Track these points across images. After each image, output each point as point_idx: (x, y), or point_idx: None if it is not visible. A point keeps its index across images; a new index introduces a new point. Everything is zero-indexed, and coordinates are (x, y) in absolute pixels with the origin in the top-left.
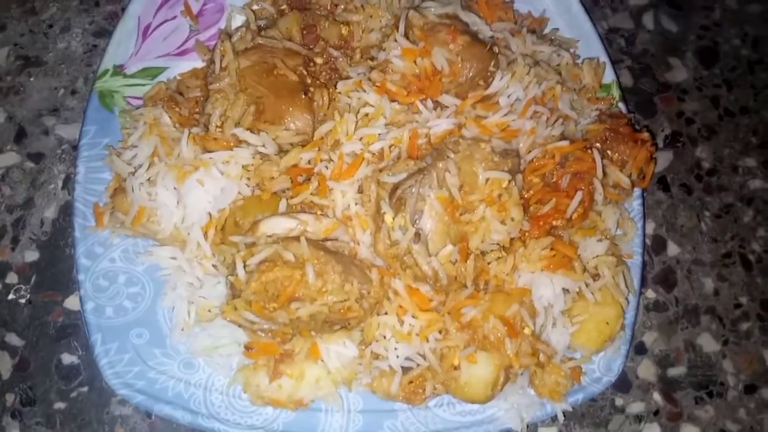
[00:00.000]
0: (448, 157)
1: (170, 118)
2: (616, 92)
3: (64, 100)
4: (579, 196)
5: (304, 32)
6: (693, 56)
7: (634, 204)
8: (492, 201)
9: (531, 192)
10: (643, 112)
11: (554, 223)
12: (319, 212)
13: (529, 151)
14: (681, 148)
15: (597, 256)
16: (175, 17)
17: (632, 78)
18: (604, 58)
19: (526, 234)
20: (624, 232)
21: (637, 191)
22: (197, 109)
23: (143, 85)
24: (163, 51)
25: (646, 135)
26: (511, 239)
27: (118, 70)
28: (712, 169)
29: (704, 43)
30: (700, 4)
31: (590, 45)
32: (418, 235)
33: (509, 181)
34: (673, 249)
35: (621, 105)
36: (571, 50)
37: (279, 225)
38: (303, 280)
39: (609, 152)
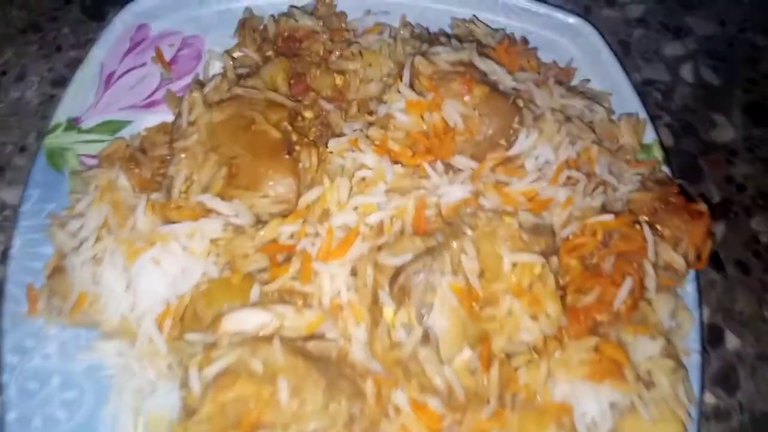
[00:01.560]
0: (464, 234)
1: (129, 181)
2: (658, 153)
3: (11, 158)
4: (628, 283)
5: (292, 82)
6: (740, 112)
7: (688, 288)
8: (521, 292)
9: (568, 278)
10: (687, 176)
11: (598, 317)
12: (300, 302)
13: (565, 227)
14: (734, 219)
15: (650, 358)
16: (144, 64)
17: (672, 137)
18: (642, 114)
19: (564, 332)
20: (678, 324)
21: (690, 273)
22: (162, 170)
23: (101, 141)
24: (128, 102)
25: (702, 206)
26: (546, 339)
27: (73, 124)
28: None
29: (752, 97)
30: (743, 54)
31: (623, 99)
32: (426, 336)
33: (543, 266)
34: (732, 341)
35: (665, 168)
36: (605, 105)
37: (248, 320)
38: (273, 399)
39: (659, 227)
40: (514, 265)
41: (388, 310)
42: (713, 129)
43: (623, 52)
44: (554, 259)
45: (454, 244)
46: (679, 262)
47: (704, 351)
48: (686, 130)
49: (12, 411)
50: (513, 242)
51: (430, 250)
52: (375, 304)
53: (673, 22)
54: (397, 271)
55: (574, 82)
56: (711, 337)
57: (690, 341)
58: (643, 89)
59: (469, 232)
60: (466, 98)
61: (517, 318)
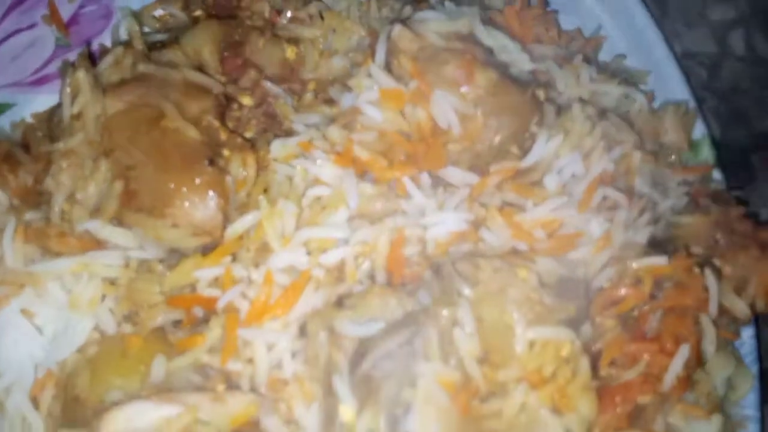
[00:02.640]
0: (459, 295)
1: (2, 190)
2: (709, 154)
3: None
4: (684, 352)
5: (225, 54)
6: None
7: (744, 336)
8: (540, 381)
9: (601, 344)
10: (735, 178)
11: (639, 399)
12: (221, 385)
13: (599, 273)
14: None
15: None
16: (33, 26)
17: (718, 126)
18: (690, 102)
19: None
20: (732, 386)
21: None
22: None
23: None
24: (9, 78)
25: None
26: None
27: None
28: None
29: None
30: None
31: (663, 78)
32: None
33: (572, 343)
34: None
35: (717, 176)
36: (642, 88)
37: (144, 415)
38: None
39: (717, 262)
40: (532, 343)
41: (347, 409)
42: None
43: (659, 14)
44: (587, 328)
45: (445, 313)
46: (742, 309)
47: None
48: (736, 118)
49: None
50: (530, 308)
51: (408, 320)
52: (329, 394)
53: None
54: (361, 352)
55: (605, 57)
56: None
57: (746, 406)
58: (683, 64)
59: (466, 291)
60: (465, 89)
61: (534, 415)
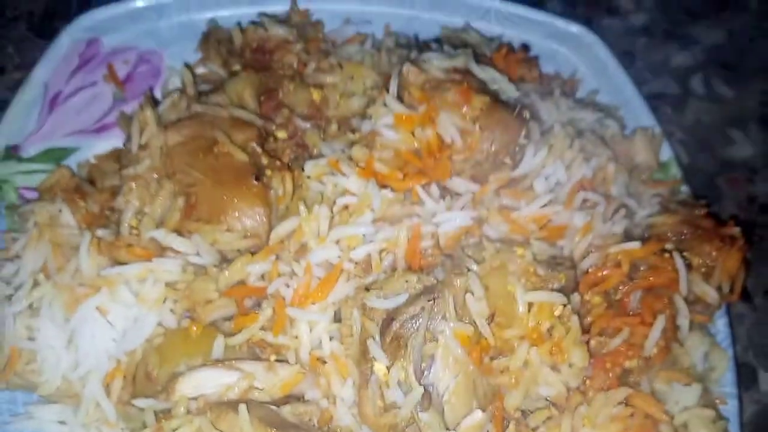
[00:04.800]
0: (468, 270)
1: (72, 216)
2: (676, 172)
3: None
4: (661, 322)
5: (262, 98)
6: (757, 127)
7: (719, 324)
8: (539, 338)
9: (590, 317)
10: (704, 197)
11: (627, 364)
12: (273, 357)
13: (584, 258)
14: (759, 243)
15: (687, 408)
16: (94, 84)
17: (687, 154)
18: (656, 128)
19: (588, 383)
20: (711, 366)
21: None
22: (112, 204)
23: (44, 172)
24: (75, 127)
25: (735, 230)
26: (568, 392)
27: (11, 153)
28: None
29: None
30: (756, 64)
31: (634, 114)
32: (427, 397)
33: (564, 306)
34: (766, 382)
35: (684, 189)
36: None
37: (209, 382)
38: None
39: (687, 254)
40: (530, 305)
41: (380, 366)
42: (730, 145)
43: (628, 63)
44: (576, 297)
45: (458, 282)
46: (711, 295)
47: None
48: (701, 147)
49: None
50: (527, 278)
51: (428, 290)
52: (364, 358)
53: (679, 32)
54: (390, 317)
55: (580, 95)
56: (743, 378)
57: (725, 385)
58: (651, 104)
59: (474, 267)
60: (464, 110)
61: (535, 369)
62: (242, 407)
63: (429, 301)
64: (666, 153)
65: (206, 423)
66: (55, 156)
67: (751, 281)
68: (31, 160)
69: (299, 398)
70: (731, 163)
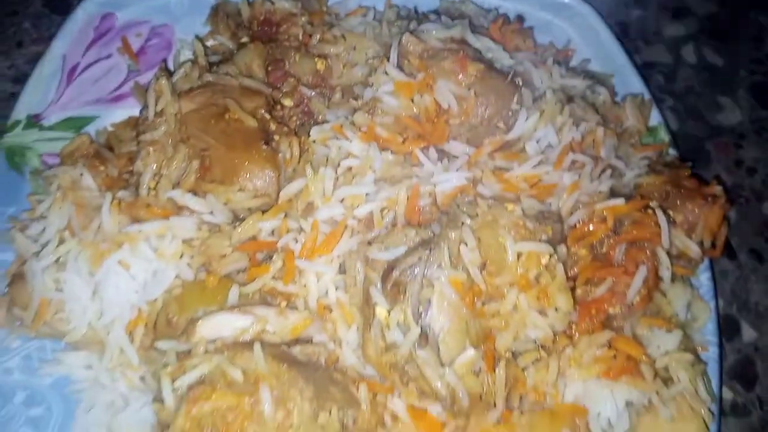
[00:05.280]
0: (462, 224)
1: (93, 179)
2: (665, 136)
3: None
4: (642, 272)
5: (269, 68)
6: (746, 94)
7: (702, 278)
8: (527, 284)
9: (577, 268)
10: (694, 161)
11: (611, 310)
12: (284, 303)
13: (572, 213)
14: (745, 205)
15: (668, 352)
16: (109, 56)
17: (677, 120)
18: (646, 95)
19: (574, 327)
20: (693, 317)
21: (704, 262)
22: (130, 168)
23: (64, 139)
24: (93, 96)
25: (717, 189)
26: (555, 336)
27: (33, 122)
28: None
29: (758, 78)
30: (747, 34)
31: (626, 82)
32: (424, 336)
33: (551, 255)
34: (748, 333)
35: (672, 152)
36: (607, 86)
37: (226, 325)
38: (255, 411)
39: (671, 212)
40: (519, 255)
41: (382, 309)
42: (719, 112)
43: (621, 33)
44: (562, 248)
45: (452, 235)
46: (694, 249)
47: (721, 345)
48: (691, 114)
49: None
50: (517, 231)
51: (425, 243)
52: (366, 304)
53: (673, 2)
54: (390, 267)
55: (573, 64)
56: (726, 330)
57: (707, 334)
58: (643, 72)
59: (468, 220)
60: (460, 77)
61: (524, 313)
62: (257, 345)
63: (426, 251)
64: (655, 118)
65: (224, 360)
66: (75, 124)
67: (736, 240)
68: (52, 128)
69: (307, 341)
70: (720, 128)
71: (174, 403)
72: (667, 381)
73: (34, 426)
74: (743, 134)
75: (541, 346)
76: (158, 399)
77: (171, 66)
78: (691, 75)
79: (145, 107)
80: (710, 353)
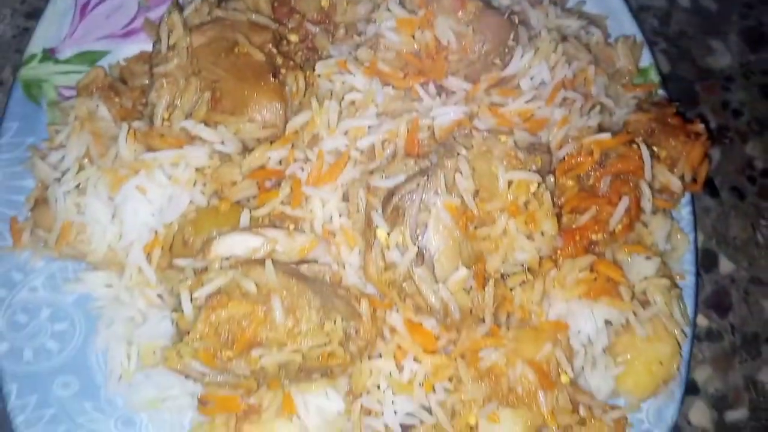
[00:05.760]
0: (458, 154)
1: (108, 111)
2: (655, 77)
3: None
4: (625, 202)
5: (276, 4)
6: (737, 38)
7: (683, 212)
8: (516, 210)
9: (564, 198)
10: (683, 102)
11: (594, 237)
12: (292, 227)
13: (561, 147)
14: (729, 145)
15: (646, 278)
16: None
17: (668, 63)
18: (639, 37)
19: (559, 252)
20: (673, 247)
21: (686, 197)
22: (143, 100)
23: (79, 72)
24: (105, 31)
25: (700, 127)
26: (541, 259)
27: (49, 55)
28: (766, 170)
29: (749, 23)
30: None
31: (620, 23)
32: (421, 256)
33: (539, 184)
34: (726, 265)
35: (661, 92)
36: (601, 27)
37: (239, 244)
38: (268, 318)
39: (655, 148)
40: (510, 183)
41: (382, 232)
42: (710, 55)
43: None
44: (550, 178)
45: (449, 164)
46: (675, 183)
47: (698, 275)
48: (682, 56)
49: (3, 343)
50: (508, 161)
51: (423, 171)
52: (368, 227)
53: None
54: (390, 193)
55: (569, 5)
56: (705, 262)
57: (685, 263)
58: (638, 16)
59: (463, 151)
60: (459, 14)
61: (513, 237)
62: (268, 261)
63: (424, 179)
64: (646, 59)
65: (238, 274)
66: (89, 58)
67: (718, 179)
68: (67, 61)
69: (313, 261)
70: (709, 71)
71: (193, 312)
72: (645, 304)
73: (58, 340)
74: (731, 77)
75: (528, 269)
76: (177, 309)
77: (182, 2)
78: (684, 19)
79: (157, 41)
80: (687, 281)
